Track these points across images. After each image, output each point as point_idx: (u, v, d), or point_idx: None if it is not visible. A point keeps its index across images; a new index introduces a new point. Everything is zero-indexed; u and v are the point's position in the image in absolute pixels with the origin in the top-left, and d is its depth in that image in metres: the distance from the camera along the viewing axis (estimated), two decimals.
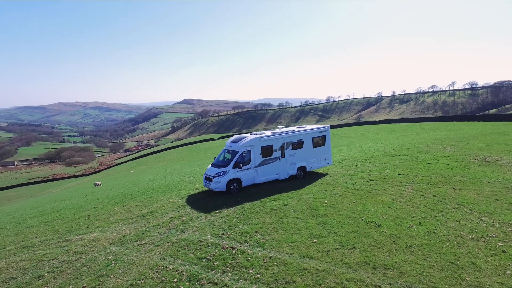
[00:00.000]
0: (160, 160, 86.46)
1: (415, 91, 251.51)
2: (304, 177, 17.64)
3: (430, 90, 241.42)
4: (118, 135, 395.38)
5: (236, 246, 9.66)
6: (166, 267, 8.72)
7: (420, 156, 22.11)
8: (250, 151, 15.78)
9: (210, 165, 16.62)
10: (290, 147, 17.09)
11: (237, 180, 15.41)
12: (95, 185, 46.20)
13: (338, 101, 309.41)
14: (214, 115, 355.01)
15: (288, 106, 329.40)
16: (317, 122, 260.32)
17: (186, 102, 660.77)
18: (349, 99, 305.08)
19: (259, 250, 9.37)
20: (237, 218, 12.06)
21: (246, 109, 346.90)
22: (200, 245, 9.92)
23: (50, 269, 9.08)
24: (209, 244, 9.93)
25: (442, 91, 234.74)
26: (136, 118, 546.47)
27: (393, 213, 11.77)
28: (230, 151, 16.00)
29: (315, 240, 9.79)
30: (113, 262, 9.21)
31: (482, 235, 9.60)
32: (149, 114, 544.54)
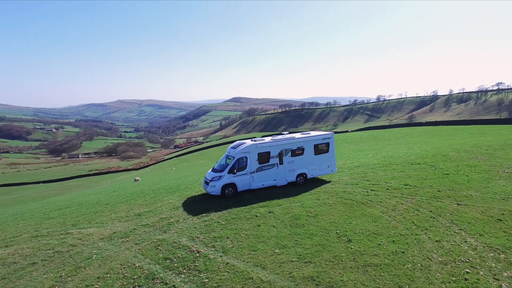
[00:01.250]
0: (202, 157, 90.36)
1: (476, 89, 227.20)
2: (305, 184, 17.59)
3: (495, 88, 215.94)
4: (169, 131, 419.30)
5: (202, 250, 10.28)
6: (134, 264, 9.66)
7: (441, 165, 20.60)
8: (246, 157, 16.25)
9: (210, 169, 17.44)
10: (289, 154, 17.18)
11: (232, 185, 15.98)
12: (135, 180, 50.18)
13: (388, 100, 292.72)
14: (261, 113, 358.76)
15: (336, 105, 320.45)
16: (365, 122, 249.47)
17: (234, 100, 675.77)
18: (400, 98, 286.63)
19: (221, 256, 9.88)
20: (218, 222, 12.67)
21: (293, 108, 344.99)
22: (172, 246, 10.72)
23: (44, 257, 10.59)
24: (180, 246, 10.69)
25: (510, 89, 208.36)
26: (187, 115, 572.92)
27: (373, 227, 11.44)
28: (229, 157, 16.63)
29: (277, 251, 10.01)
30: (94, 256, 10.44)
31: (454, 259, 9.01)
32: (199, 112, 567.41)
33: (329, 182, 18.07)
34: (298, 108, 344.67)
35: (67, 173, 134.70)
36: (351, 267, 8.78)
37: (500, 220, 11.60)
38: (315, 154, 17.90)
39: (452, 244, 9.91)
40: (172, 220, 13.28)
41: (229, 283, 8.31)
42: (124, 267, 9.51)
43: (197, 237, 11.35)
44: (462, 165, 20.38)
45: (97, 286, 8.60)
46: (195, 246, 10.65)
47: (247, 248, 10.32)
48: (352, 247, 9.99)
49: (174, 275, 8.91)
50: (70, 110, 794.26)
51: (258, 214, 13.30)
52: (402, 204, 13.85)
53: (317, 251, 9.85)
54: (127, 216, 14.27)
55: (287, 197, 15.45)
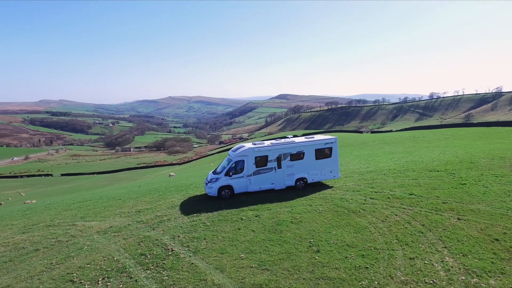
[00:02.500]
0: None
1: None
2: (304, 189, 17.45)
3: None
4: (216, 127, 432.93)
5: (176, 249, 10.97)
6: (113, 257, 10.67)
7: (463, 173, 18.99)
8: (243, 160, 16.61)
9: (211, 171, 18.11)
10: (288, 158, 17.16)
11: (229, 187, 16.47)
12: (170, 175, 53.14)
13: (443, 97, 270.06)
14: (307, 110, 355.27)
15: (384, 103, 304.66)
16: (416, 120, 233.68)
17: (281, 97, 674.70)
18: (456, 95, 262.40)
19: (190, 256, 10.47)
20: (204, 223, 13.27)
21: (340, 106, 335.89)
22: (152, 243, 11.58)
23: (46, 245, 12.12)
24: (159, 244, 11.49)
25: None
26: (233, 111, 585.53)
27: (350, 239, 11.17)
28: (229, 159, 17.13)
29: (242, 255, 10.32)
30: (85, 247, 11.69)
31: (418, 279, 8.56)
32: (246, 108, 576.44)
33: (330, 187, 17.72)
34: (344, 105, 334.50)
35: (118, 166, 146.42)
36: (304, 279, 8.80)
37: (496, 240, 10.60)
38: (316, 159, 17.64)
39: (425, 263, 9.37)
40: (164, 218, 14.20)
41: (183, 283, 8.87)
42: (105, 260, 10.55)
43: (178, 236, 12.08)
44: (488, 174, 18.57)
45: (76, 274, 9.71)
46: (172, 244, 11.37)
47: (217, 250, 10.78)
48: (317, 257, 9.93)
49: (141, 270, 9.71)
50: (125, 106, 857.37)
51: (243, 218, 13.65)
52: (396, 215, 13.21)
53: (280, 259, 9.97)
54: (128, 212, 15.55)
55: (280, 201, 15.54)
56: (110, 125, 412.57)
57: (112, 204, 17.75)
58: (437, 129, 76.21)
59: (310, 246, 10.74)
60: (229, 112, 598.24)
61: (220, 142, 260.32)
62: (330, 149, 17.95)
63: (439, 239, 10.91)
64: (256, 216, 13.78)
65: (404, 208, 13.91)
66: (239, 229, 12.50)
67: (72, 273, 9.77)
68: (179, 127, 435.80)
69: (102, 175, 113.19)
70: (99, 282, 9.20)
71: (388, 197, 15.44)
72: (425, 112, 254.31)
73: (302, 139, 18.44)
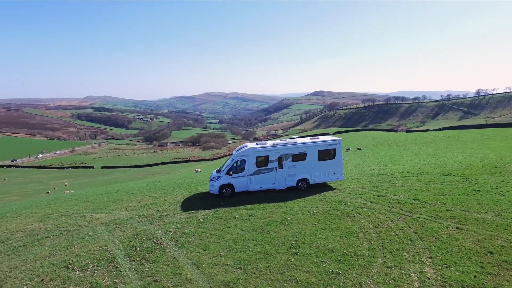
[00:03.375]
0: None
1: None
2: (306, 190, 17.39)
3: None
4: (251, 124, 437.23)
5: (164, 243, 11.63)
6: (108, 248, 11.58)
7: (481, 179, 17.77)
8: (244, 160, 16.93)
9: (215, 169, 18.64)
10: (290, 159, 17.18)
11: (230, 186, 16.91)
12: (195, 171, 54.87)
13: (491, 94, 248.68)
14: (343, 108, 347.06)
15: (425, 100, 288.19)
16: (459, 119, 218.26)
17: (317, 94, 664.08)
18: (508, 92, 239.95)
19: (175, 251, 11.06)
20: (198, 220, 13.84)
21: (377, 103, 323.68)
22: (145, 237, 12.35)
23: (56, 233, 13.41)
24: (151, 237, 12.23)
25: None
26: (269, 108, 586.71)
27: (333, 243, 11.10)
28: (232, 159, 17.54)
29: (222, 253, 10.71)
30: (87, 237, 12.77)
31: None
32: (281, 105, 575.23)
33: (333, 189, 17.48)
34: (382, 103, 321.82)
35: (154, 160, 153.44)
36: (272, 280, 8.98)
37: (490, 253, 9.97)
38: (319, 160, 17.47)
39: (402, 273, 9.10)
40: (164, 213, 15.00)
41: (160, 275, 9.46)
42: (100, 249, 11.49)
43: (170, 231, 12.75)
44: (510, 181, 17.21)
45: (71, 261, 10.72)
46: (162, 239, 12.06)
47: (201, 246, 11.26)
48: (293, 260, 10.03)
49: (128, 261, 10.47)
50: (163, 102, 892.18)
51: (237, 216, 14.02)
52: (391, 221, 12.82)
53: (257, 259, 10.21)
54: (134, 206, 16.59)
55: (278, 202, 15.68)
56: (149, 120, 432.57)
57: (123, 198, 19.01)
58: (479, 129, 70.86)
59: (290, 248, 10.85)
60: (264, 109, 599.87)
61: (254, 139, 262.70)
62: (334, 150, 17.68)
63: (427, 248, 10.48)
64: (249, 215, 14.08)
65: (402, 214, 13.43)
66: (229, 227, 12.90)
67: (68, 260, 10.79)
68: (214, 123, 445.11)
69: (138, 169, 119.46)
70: (88, 269, 10.09)
71: (389, 202, 14.96)
72: (470, 110, 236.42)
73: (306, 140, 18.35)
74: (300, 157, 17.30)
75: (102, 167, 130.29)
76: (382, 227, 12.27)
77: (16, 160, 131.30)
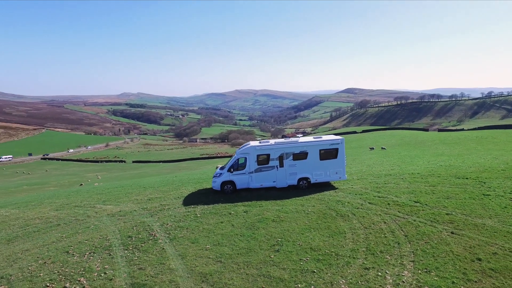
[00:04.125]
0: None
1: None
2: (308, 189, 17.42)
3: None
4: (281, 121, 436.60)
5: (157, 235, 12.34)
6: (107, 237, 12.50)
7: (496, 183, 16.84)
8: (245, 158, 17.30)
9: (220, 166, 19.17)
10: (291, 158, 17.29)
11: (231, 183, 17.36)
12: (216, 167, 56.06)
13: None
14: (374, 105, 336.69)
15: (463, 98, 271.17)
16: (502, 118, 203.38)
17: (348, 91, 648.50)
18: None
19: (166, 242, 11.71)
20: (195, 214, 14.45)
21: (410, 101, 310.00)
22: (143, 228, 13.14)
23: (66, 222, 14.63)
24: (148, 229, 13.00)
25: None
26: (298, 105, 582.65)
27: (318, 242, 11.19)
28: (235, 156, 17.99)
29: (208, 246, 11.20)
30: (92, 226, 13.83)
31: None
32: (311, 102, 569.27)
33: (335, 189, 17.36)
34: (415, 100, 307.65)
35: (183, 155, 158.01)
36: (247, 274, 9.31)
37: (479, 259, 9.62)
38: (321, 159, 17.41)
39: (378, 275, 9.06)
40: (166, 207, 15.79)
41: (145, 264, 10.13)
42: (100, 238, 12.44)
43: (167, 224, 13.46)
44: None
45: (73, 247, 11.73)
46: (158, 231, 12.78)
47: (191, 239, 11.83)
48: (273, 256, 10.29)
49: (121, 250, 11.28)
50: (194, 99, 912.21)
51: (232, 212, 14.46)
52: (385, 223, 12.63)
53: (239, 253, 10.58)
54: (141, 199, 17.57)
55: (275, 199, 15.90)
56: (180, 116, 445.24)
57: (134, 191, 20.14)
58: None
59: (273, 245, 11.10)
60: (294, 106, 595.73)
61: (283, 136, 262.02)
62: (336, 150, 17.53)
63: (412, 252, 10.28)
64: (244, 212, 14.46)
65: (398, 216, 13.16)
66: (222, 223, 13.37)
67: (71, 246, 11.82)
68: (244, 120, 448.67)
69: (167, 164, 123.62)
70: (85, 255, 11.01)
71: (388, 203, 14.66)
72: None
73: (309, 139, 18.33)
74: (301, 156, 17.36)
75: (133, 162, 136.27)
76: (373, 229, 12.14)
77: (47, 155, 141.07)
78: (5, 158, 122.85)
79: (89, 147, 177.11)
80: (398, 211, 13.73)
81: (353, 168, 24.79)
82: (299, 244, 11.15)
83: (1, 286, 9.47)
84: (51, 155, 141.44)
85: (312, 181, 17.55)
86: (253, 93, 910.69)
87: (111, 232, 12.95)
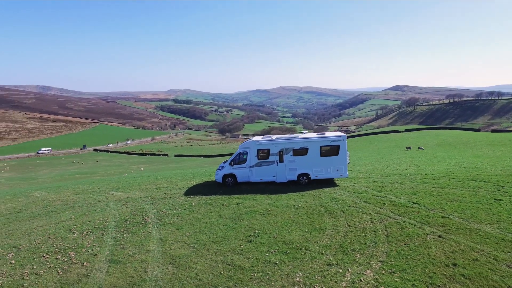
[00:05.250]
0: None
1: None
2: (308, 185, 17.36)
3: None
4: (325, 118, 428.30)
5: (150, 220, 13.34)
6: (107, 219, 13.80)
7: None
8: (246, 152, 17.72)
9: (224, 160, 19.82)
10: (291, 153, 17.34)
11: (232, 176, 17.91)
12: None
13: None
14: (423, 103, 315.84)
15: None
16: None
17: (396, 88, 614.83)
18: None
19: (154, 227, 12.65)
20: (191, 204, 15.25)
21: (464, 99, 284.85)
22: (140, 214, 14.25)
23: (80, 205, 16.34)
24: (143, 214, 14.08)
25: None
26: (343, 103, 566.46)
27: (294, 237, 11.29)
28: (237, 151, 18.51)
29: (188, 233, 11.92)
30: (99, 209, 15.30)
31: (311, 283, 8.49)
32: (357, 100, 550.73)
33: (335, 186, 17.05)
34: (470, 98, 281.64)
35: (223, 151, 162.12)
36: (212, 260, 9.82)
37: (454, 264, 9.10)
38: (321, 156, 17.22)
39: (338, 272, 8.99)
40: (168, 196, 16.84)
41: (129, 244, 11.13)
42: (101, 220, 13.79)
43: (162, 211, 14.44)
44: None
45: (76, 226, 13.19)
46: (152, 217, 13.80)
47: (176, 226, 12.63)
48: (243, 246, 10.66)
49: (114, 231, 12.43)
50: (239, 95, 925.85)
51: (225, 203, 15.04)
52: (371, 222, 12.31)
53: (213, 241, 11.12)
54: (150, 188, 18.88)
55: (271, 194, 16.13)
56: (224, 112, 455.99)
57: (148, 181, 21.64)
58: None
59: (249, 236, 11.45)
60: (339, 104, 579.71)
61: None
62: (337, 147, 17.20)
63: (386, 252, 9.98)
64: (237, 204, 14.94)
65: (389, 217, 12.70)
66: (211, 213, 14.00)
67: (75, 225, 13.29)
68: (287, 117, 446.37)
69: (207, 158, 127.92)
70: (83, 234, 12.35)
71: (384, 203, 14.16)
72: None
73: (312, 135, 18.21)
74: (301, 151, 17.34)
75: (175, 155, 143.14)
76: (356, 227, 11.91)
77: (109, 145, 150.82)
78: (44, 150, 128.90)
79: (131, 141, 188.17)
80: (391, 212, 13.23)
81: (368, 167, 23.94)
82: (274, 236, 11.36)
83: (11, 253, 11.07)
84: (101, 147, 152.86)
85: (312, 177, 17.45)
86: (297, 90, 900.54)
87: (112, 216, 14.25)
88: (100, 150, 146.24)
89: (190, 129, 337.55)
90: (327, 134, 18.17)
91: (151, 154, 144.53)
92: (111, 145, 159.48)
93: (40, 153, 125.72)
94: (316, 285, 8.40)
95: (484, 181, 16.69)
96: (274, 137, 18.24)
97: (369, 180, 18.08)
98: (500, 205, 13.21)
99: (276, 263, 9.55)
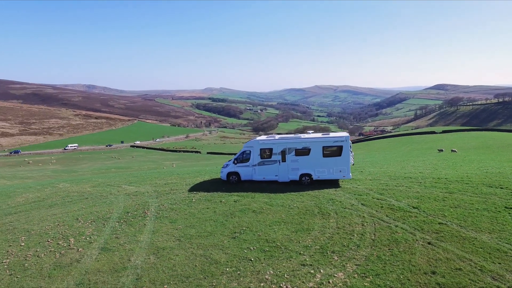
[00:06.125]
0: (364, 148, 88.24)
1: None
2: (310, 185, 17.24)
3: None
4: (361, 118, 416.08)
5: (149, 213, 14.12)
6: (112, 210, 14.82)
7: None
8: (250, 151, 17.99)
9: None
10: (293, 153, 17.31)
11: (236, 174, 18.28)
12: None
13: None
14: (467, 103, 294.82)
15: None
16: None
17: (438, 87, 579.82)
18: None
19: (151, 220, 13.38)
20: (191, 200, 15.85)
21: None
22: (142, 207, 15.11)
23: (93, 196, 17.64)
24: (145, 208, 14.90)
25: None
26: (381, 102, 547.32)
27: (278, 236, 11.43)
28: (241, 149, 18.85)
29: (179, 227, 12.50)
30: (108, 201, 16.44)
31: (278, 281, 8.64)
32: (395, 99, 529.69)
33: (337, 187, 16.73)
34: None
35: None
36: (192, 253, 10.28)
37: (433, 273, 8.77)
38: (324, 156, 17.00)
39: (310, 272, 9.02)
40: (173, 191, 17.62)
41: (123, 234, 11.96)
42: (106, 211, 14.84)
43: (163, 205, 15.20)
44: None
45: (83, 216, 14.34)
46: (152, 210, 14.59)
47: (171, 220, 13.27)
48: (225, 242, 11.02)
49: (115, 222, 13.36)
50: (274, 94, 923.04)
51: (223, 200, 15.46)
52: (363, 225, 12.07)
53: (199, 236, 11.59)
54: (159, 183, 19.82)
55: (270, 193, 16.26)
56: (259, 111, 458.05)
57: (160, 176, 22.70)
58: None
59: (235, 232, 11.76)
60: (376, 103, 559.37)
61: (360, 134, 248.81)
62: (340, 147, 16.88)
63: (366, 256, 9.80)
64: (234, 201, 15.30)
65: (383, 221, 12.37)
66: (207, 209, 14.49)
67: (83, 215, 14.46)
68: (322, 116, 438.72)
69: None
70: (87, 223, 13.42)
71: (382, 206, 13.75)
72: None
73: (316, 135, 18.03)
74: (303, 152, 17.25)
75: (207, 153, 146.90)
76: (344, 230, 11.76)
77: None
78: (71, 146, 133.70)
79: (166, 137, 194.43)
80: (386, 215, 12.84)
81: (383, 168, 23.08)
82: (258, 234, 11.57)
83: (23, 236, 12.37)
84: (137, 143, 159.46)
85: (314, 177, 17.30)
86: (333, 89, 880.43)
87: (117, 208, 15.27)
88: (137, 146, 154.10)
89: (225, 127, 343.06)
90: (331, 134, 17.90)
91: (184, 151, 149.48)
92: (138, 142, 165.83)
93: (67, 149, 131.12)
94: (283, 284, 8.52)
95: (501, 188, 15.53)
96: (277, 136, 18.34)
97: (375, 182, 17.53)
98: (509, 213, 12.32)
99: (251, 260, 9.78)
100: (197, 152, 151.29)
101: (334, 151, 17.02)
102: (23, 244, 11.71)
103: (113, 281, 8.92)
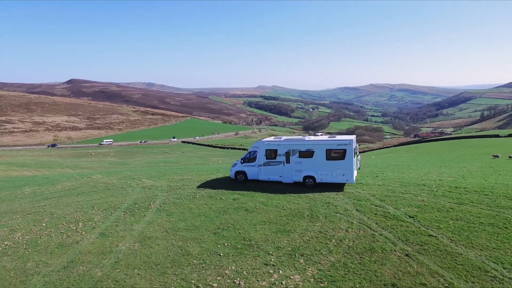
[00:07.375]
0: (417, 150, 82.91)
1: None
2: (313, 188, 17.14)
3: None
4: (418, 119, 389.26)
5: (153, 206, 15.43)
6: (124, 201, 16.47)
7: None
8: (256, 151, 18.45)
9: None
10: (297, 155, 17.33)
11: (243, 173, 18.89)
12: None
13: None
14: None
15: None
16: None
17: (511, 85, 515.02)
18: None
19: (152, 212, 14.65)
20: (195, 196, 16.85)
21: None
22: (151, 199, 16.50)
23: (115, 188, 19.67)
24: (152, 202, 16.24)
25: None
26: (441, 102, 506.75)
27: (257, 235, 11.82)
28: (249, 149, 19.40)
29: (173, 219, 13.52)
30: (124, 192, 18.23)
31: (242, 277, 9.09)
32: (458, 99, 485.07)
33: (340, 191, 16.40)
34: None
35: None
36: (173, 244, 11.18)
37: (392, 285, 8.53)
38: (327, 159, 16.74)
39: (268, 272, 9.31)
40: (183, 187, 18.85)
41: (121, 223, 13.32)
42: (119, 201, 16.53)
43: (168, 199, 16.44)
44: None
45: (98, 204, 16.20)
46: (157, 203, 15.89)
47: (169, 212, 14.39)
48: (205, 236, 11.75)
49: (122, 212, 14.90)
50: (327, 93, 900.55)
51: (223, 198, 16.21)
52: (347, 231, 11.91)
53: (186, 229, 12.47)
54: (175, 179, 21.26)
55: (271, 193, 16.54)
56: (310, 110, 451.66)
57: (179, 172, 24.25)
58: None
59: (218, 229, 12.41)
60: (436, 103, 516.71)
61: (416, 135, 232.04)
62: (344, 151, 16.46)
63: (333, 263, 9.75)
64: (233, 199, 15.95)
65: (370, 228, 12.03)
66: (206, 204, 15.36)
67: (98, 204, 16.33)
68: (376, 116, 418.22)
69: None
70: (100, 211, 15.17)
71: (375, 214, 13.29)
72: None
73: (321, 138, 17.85)
74: (307, 154, 17.20)
75: None
76: (325, 234, 11.73)
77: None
78: (106, 142, 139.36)
79: (217, 134, 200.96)
80: (376, 223, 12.43)
81: (403, 174, 21.72)
82: (239, 232, 12.07)
83: (46, 218, 14.49)
84: (188, 139, 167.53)
85: (317, 180, 17.15)
86: (389, 87, 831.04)
87: (129, 199, 16.91)
88: (187, 142, 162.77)
89: (275, 125, 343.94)
90: (337, 137, 17.54)
91: (232, 148, 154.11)
92: (198, 138, 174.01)
93: (103, 144, 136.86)
94: (237, 280, 8.95)
95: None
96: (283, 138, 18.51)
97: (381, 188, 16.78)
98: None
99: (220, 255, 10.36)
100: (244, 149, 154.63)
101: (337, 154, 16.69)
102: (43, 224, 13.76)
103: (96, 262, 10.20)
